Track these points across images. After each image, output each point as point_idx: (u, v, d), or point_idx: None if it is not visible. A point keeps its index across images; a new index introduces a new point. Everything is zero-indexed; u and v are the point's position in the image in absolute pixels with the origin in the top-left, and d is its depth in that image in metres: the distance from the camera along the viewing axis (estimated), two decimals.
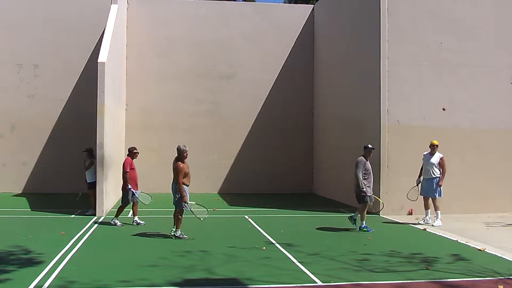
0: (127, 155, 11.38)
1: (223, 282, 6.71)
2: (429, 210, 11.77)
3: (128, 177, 10.98)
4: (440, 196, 11.67)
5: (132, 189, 11.03)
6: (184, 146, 9.67)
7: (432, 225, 11.45)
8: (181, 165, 9.53)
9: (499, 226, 11.69)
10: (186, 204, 9.52)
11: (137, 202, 11.21)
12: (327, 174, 17.52)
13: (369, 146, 10.91)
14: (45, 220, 11.86)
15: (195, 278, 6.84)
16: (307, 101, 19.12)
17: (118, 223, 11.12)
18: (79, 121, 17.15)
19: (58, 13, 17.91)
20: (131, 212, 13.22)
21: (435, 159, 11.73)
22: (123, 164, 11.16)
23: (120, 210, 11.30)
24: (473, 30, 13.84)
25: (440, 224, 11.44)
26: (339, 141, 16.18)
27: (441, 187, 11.60)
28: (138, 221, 11.27)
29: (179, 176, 9.48)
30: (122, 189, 11.28)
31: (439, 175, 11.66)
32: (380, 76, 13.15)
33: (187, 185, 9.66)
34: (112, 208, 13.68)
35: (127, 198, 11.08)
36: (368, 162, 10.72)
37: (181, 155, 9.61)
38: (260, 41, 18.99)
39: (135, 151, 11.39)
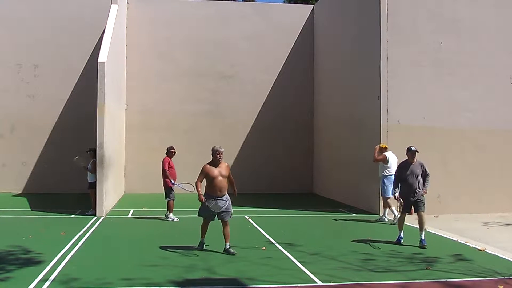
0: (166, 154, 11.97)
1: (224, 282, 6.71)
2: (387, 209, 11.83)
3: (168, 174, 11.67)
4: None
5: (174, 182, 11.69)
6: (220, 147, 8.52)
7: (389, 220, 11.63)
8: (205, 166, 8.38)
9: (499, 226, 11.70)
10: (207, 205, 8.26)
11: (173, 199, 11.81)
12: (327, 174, 17.52)
13: (412, 148, 9.46)
14: (45, 220, 11.86)
15: (196, 277, 6.85)
16: (307, 101, 19.12)
17: (175, 218, 11.77)
18: (79, 121, 17.15)
19: (58, 13, 17.91)
20: (131, 212, 13.26)
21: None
22: (162, 162, 11.83)
23: (170, 205, 11.82)
24: (473, 30, 13.85)
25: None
26: (339, 141, 16.19)
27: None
28: (174, 218, 11.80)
29: (199, 176, 8.36)
30: (164, 186, 11.86)
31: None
32: (380, 76, 13.15)
33: (213, 196, 8.28)
34: (112, 208, 13.69)
35: (170, 193, 11.77)
36: (415, 165, 9.30)
37: (213, 156, 8.45)
38: (260, 41, 18.99)
39: (172, 150, 11.99)
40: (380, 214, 12.31)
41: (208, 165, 8.36)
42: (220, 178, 8.26)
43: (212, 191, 8.26)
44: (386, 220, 11.80)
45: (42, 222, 11.58)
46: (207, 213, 8.38)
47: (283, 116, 18.99)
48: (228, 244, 8.37)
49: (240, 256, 8.13)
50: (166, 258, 7.94)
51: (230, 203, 8.46)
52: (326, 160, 17.64)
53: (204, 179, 8.37)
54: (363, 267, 7.54)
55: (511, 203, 13.90)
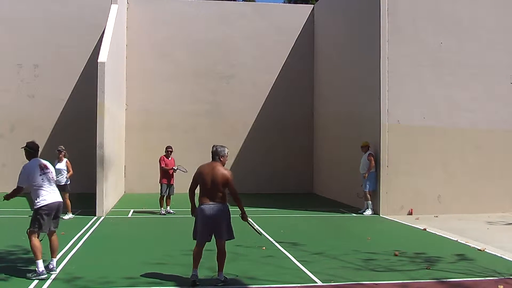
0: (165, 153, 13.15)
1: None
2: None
3: (162, 172, 12.79)
4: (367, 189, 13.08)
5: (175, 168, 12.78)
6: (222, 147, 7.18)
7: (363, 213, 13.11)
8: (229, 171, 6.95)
9: (499, 226, 11.70)
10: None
11: (168, 194, 12.79)
12: (327, 174, 17.52)
13: None
14: None
15: (199, 276, 6.84)
16: (307, 101, 19.13)
17: (163, 212, 12.82)
18: (79, 121, 17.14)
19: (58, 13, 17.90)
20: (131, 212, 13.27)
21: (364, 157, 13.27)
22: (159, 160, 13.02)
23: (160, 200, 12.87)
24: (473, 30, 13.85)
25: (370, 213, 13.06)
26: (339, 141, 16.19)
27: (368, 180, 13.06)
28: (170, 211, 12.87)
29: (231, 187, 7.06)
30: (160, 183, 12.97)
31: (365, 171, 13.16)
32: (380, 76, 13.15)
33: None
34: (112, 208, 13.69)
35: (161, 189, 12.80)
36: None
37: (218, 158, 7.07)
38: (260, 41, 18.99)
39: (169, 149, 13.08)
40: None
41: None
42: None
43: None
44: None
45: None
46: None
47: (283, 116, 18.99)
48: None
49: (242, 255, 8.13)
50: (168, 257, 7.94)
51: None
52: (326, 160, 17.64)
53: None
54: (364, 266, 7.54)
55: (511, 203, 13.91)
